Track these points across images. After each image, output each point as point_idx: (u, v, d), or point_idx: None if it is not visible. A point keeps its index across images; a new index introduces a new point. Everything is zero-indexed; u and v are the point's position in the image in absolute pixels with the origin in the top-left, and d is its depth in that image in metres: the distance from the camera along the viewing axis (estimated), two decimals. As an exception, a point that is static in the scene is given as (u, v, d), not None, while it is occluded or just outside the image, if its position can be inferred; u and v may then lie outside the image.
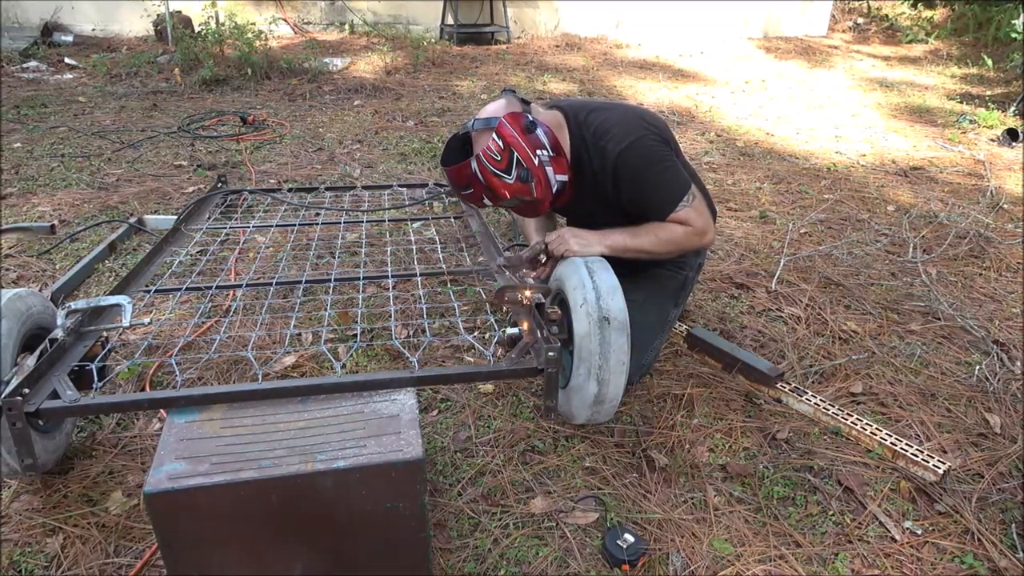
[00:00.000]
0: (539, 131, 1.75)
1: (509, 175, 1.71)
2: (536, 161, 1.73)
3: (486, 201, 1.79)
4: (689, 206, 1.78)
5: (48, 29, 6.98)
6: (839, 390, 2.05)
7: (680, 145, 2.05)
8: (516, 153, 1.70)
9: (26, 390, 1.37)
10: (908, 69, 7.55)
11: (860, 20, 10.10)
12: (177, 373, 1.64)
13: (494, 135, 1.69)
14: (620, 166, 1.79)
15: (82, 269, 2.53)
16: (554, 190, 1.78)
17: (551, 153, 1.76)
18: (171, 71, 5.88)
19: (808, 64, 7.62)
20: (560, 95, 5.73)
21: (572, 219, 2.13)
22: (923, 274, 2.75)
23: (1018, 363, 2.19)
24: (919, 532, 1.57)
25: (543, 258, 1.93)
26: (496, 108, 1.76)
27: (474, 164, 1.70)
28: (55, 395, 1.40)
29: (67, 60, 6.40)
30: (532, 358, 1.58)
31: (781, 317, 2.44)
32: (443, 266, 2.37)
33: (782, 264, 2.79)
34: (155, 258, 2.21)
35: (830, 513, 1.61)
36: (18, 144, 4.09)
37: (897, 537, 1.55)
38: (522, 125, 1.72)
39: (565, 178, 1.80)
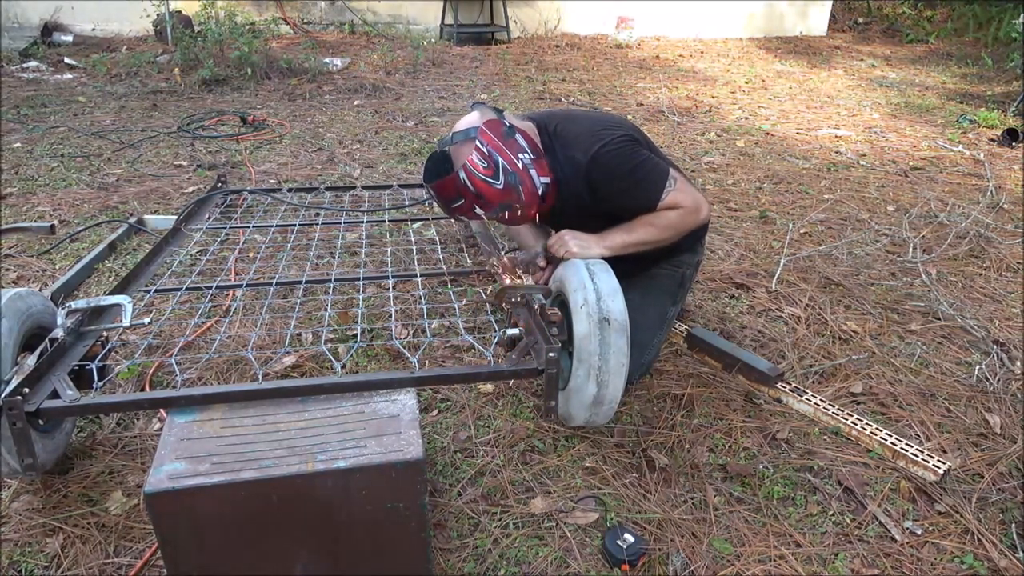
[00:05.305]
0: (517, 136, 1.79)
1: (498, 181, 1.74)
2: (520, 164, 1.76)
3: (478, 212, 1.81)
4: (673, 189, 1.80)
5: (48, 29, 6.98)
6: (839, 390, 2.05)
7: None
8: (500, 159, 1.73)
9: (26, 390, 1.37)
10: (908, 69, 7.55)
11: (860, 20, 10.11)
12: (177, 373, 1.64)
13: (477, 143, 1.72)
14: (593, 174, 1.81)
15: (82, 269, 2.53)
16: (540, 192, 1.81)
17: (532, 156, 1.79)
18: (171, 71, 5.88)
19: (808, 64, 7.62)
20: (560, 95, 5.73)
21: (561, 228, 2.14)
22: (923, 274, 2.75)
23: (1018, 363, 2.19)
24: (919, 532, 1.57)
25: (541, 262, 1.94)
26: (472, 119, 1.80)
27: (462, 174, 1.73)
28: (55, 395, 1.40)
29: (67, 60, 6.40)
30: (532, 359, 1.58)
31: (781, 317, 2.44)
32: (443, 266, 2.37)
33: (782, 264, 2.78)
34: (155, 258, 2.21)
35: (830, 513, 1.61)
36: (18, 144, 4.09)
37: (897, 537, 1.55)
38: (501, 131, 1.76)
39: (548, 180, 1.83)
